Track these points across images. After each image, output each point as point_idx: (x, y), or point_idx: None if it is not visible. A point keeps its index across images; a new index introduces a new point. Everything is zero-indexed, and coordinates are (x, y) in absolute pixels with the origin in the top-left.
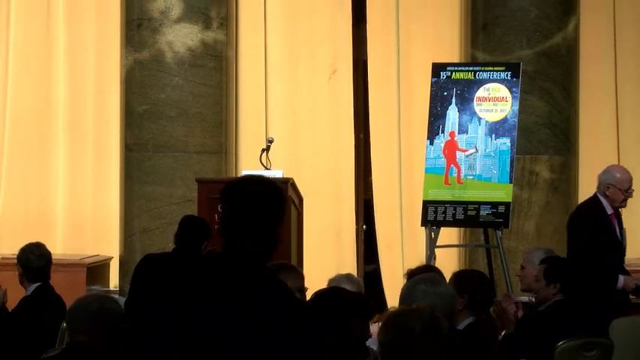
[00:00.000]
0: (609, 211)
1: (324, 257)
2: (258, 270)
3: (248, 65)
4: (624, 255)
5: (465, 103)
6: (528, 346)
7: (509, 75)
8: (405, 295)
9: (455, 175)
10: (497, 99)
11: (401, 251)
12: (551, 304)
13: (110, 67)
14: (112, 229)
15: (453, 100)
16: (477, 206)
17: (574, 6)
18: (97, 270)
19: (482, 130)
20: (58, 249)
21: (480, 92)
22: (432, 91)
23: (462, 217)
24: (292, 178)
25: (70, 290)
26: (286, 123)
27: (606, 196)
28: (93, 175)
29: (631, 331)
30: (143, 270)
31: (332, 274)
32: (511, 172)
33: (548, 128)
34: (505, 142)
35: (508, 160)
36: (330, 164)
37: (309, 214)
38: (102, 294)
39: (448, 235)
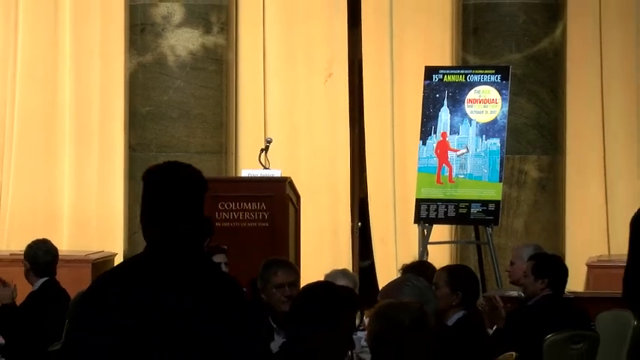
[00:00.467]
0: None
1: (321, 253)
2: (196, 256)
3: (247, 68)
4: None
5: (457, 104)
6: (518, 340)
7: (498, 78)
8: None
9: (447, 174)
10: (487, 101)
11: (394, 247)
12: (540, 298)
13: (114, 70)
14: (117, 227)
15: (445, 101)
16: (467, 204)
17: (561, 12)
18: (101, 266)
19: (473, 130)
20: (64, 245)
21: (471, 94)
22: (424, 93)
23: (453, 214)
24: (290, 177)
25: (75, 285)
26: (284, 124)
27: None
28: (98, 174)
29: (615, 324)
30: None
31: (328, 270)
32: (501, 171)
33: (536, 129)
34: (495, 143)
35: (498, 160)
36: (326, 164)
37: (306, 212)
38: None
39: (440, 232)
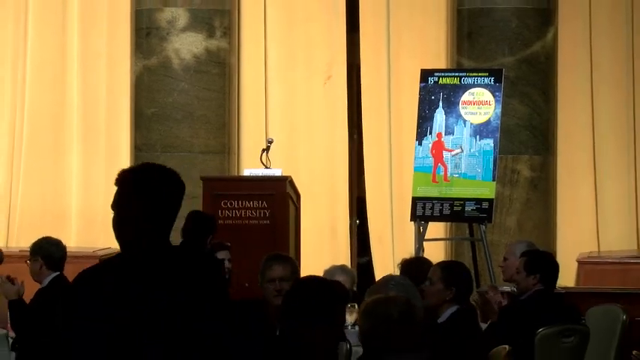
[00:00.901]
0: None
1: (320, 250)
2: (175, 254)
3: (249, 71)
4: None
5: (452, 106)
6: (510, 333)
7: (492, 80)
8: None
9: (442, 173)
10: (481, 103)
11: (391, 244)
12: (532, 293)
13: (121, 73)
14: None
15: (440, 103)
16: (462, 202)
17: (552, 17)
18: None
19: (467, 131)
20: (72, 242)
21: (465, 96)
22: (420, 95)
23: (448, 212)
24: (290, 176)
25: None
26: (285, 125)
27: None
28: (105, 173)
29: (605, 319)
30: None
31: (327, 266)
32: (494, 170)
33: (528, 130)
34: (488, 143)
35: (491, 160)
36: (325, 163)
37: (306, 210)
38: None
39: (436, 229)
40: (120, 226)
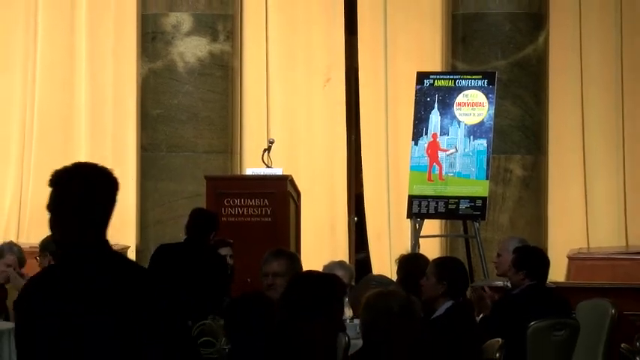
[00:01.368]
0: None
1: (320, 246)
2: (109, 256)
3: (251, 74)
4: None
5: (446, 107)
6: (503, 327)
7: (485, 83)
8: (357, 296)
9: (437, 172)
10: (475, 104)
11: (389, 241)
12: (524, 288)
13: (127, 75)
14: (129, 221)
15: (436, 105)
16: (456, 200)
17: (544, 21)
18: None
19: (461, 132)
20: None
21: (460, 98)
22: (416, 97)
23: (443, 210)
24: (291, 175)
25: None
26: (285, 125)
27: None
28: None
29: (594, 313)
30: (158, 258)
31: (327, 261)
32: (487, 169)
33: (520, 130)
34: (482, 143)
35: (485, 159)
36: (325, 163)
37: (306, 208)
38: None
39: (431, 226)
40: (55, 227)
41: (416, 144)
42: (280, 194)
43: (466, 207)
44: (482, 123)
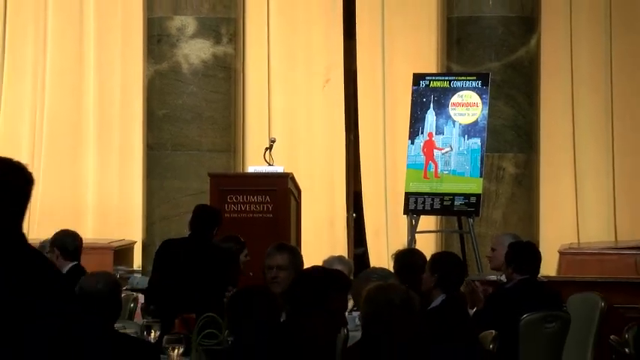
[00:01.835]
0: None
1: (320, 241)
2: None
3: (253, 75)
4: None
5: (442, 108)
6: (496, 319)
7: (479, 84)
8: (358, 289)
9: (432, 170)
10: (469, 104)
11: (386, 236)
12: (517, 282)
13: (134, 77)
14: (136, 217)
15: (431, 105)
16: (451, 197)
17: (535, 24)
18: (122, 252)
19: (456, 131)
20: (88, 234)
21: (455, 98)
22: (412, 97)
23: (438, 206)
24: (292, 173)
25: (99, 269)
26: (286, 125)
27: None
28: (119, 170)
29: (584, 306)
30: (163, 252)
31: (326, 256)
32: (481, 167)
33: (513, 130)
34: (476, 142)
35: (479, 158)
36: (324, 161)
37: (306, 205)
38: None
39: (427, 222)
40: None
41: (412, 143)
42: (281, 191)
43: (461, 203)
44: (476, 123)
